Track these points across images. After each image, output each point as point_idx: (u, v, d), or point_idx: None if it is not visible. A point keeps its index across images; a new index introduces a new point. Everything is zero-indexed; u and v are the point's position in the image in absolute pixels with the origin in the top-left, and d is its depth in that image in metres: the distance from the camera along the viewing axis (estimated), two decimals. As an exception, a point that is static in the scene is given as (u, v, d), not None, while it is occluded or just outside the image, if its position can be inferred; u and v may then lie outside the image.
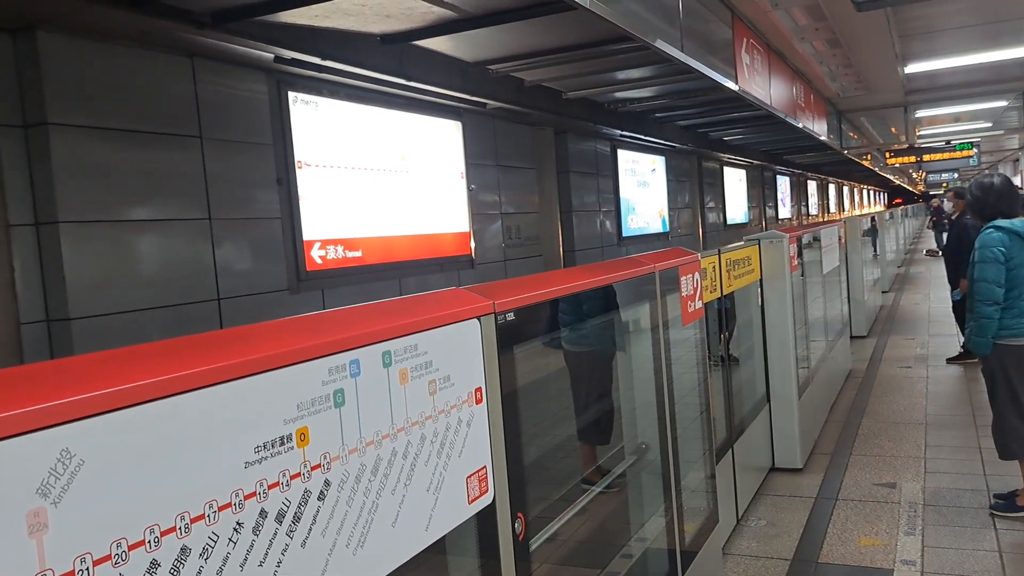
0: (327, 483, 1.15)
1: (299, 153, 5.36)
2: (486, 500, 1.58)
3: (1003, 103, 11.82)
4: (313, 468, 1.12)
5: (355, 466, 1.21)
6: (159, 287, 4.40)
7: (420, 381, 1.39)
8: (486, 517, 1.59)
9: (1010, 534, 3.80)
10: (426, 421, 1.40)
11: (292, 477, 1.08)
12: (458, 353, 1.52)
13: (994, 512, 4.02)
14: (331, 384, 1.17)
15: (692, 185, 13.44)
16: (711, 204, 14.40)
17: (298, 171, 5.35)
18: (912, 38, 7.89)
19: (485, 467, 1.58)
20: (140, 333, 4.27)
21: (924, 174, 31.70)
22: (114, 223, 4.24)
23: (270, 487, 1.04)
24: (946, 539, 3.79)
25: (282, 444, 1.06)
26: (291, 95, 5.33)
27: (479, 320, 1.59)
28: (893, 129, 13.88)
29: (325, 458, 1.15)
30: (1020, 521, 3.92)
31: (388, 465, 1.29)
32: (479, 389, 1.57)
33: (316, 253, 5.51)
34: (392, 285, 6.14)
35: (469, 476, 1.53)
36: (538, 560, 2.09)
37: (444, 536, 1.49)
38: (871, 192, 45.44)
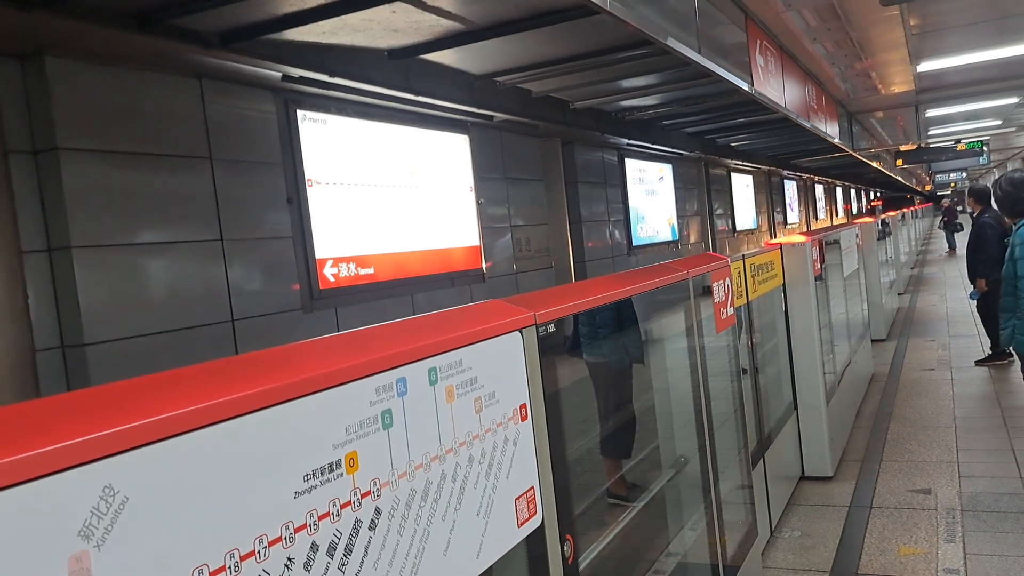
0: (377, 511, 1.07)
1: (309, 171, 5.31)
2: (535, 523, 1.49)
3: (1014, 100, 11.73)
4: (363, 495, 1.04)
5: (405, 491, 1.13)
6: (173, 310, 4.34)
7: (466, 398, 1.31)
8: (535, 541, 1.50)
9: (1055, 538, 3.68)
10: (473, 441, 1.32)
11: (342, 506, 1.00)
12: (501, 368, 1.44)
13: (1036, 516, 3.90)
14: (379, 404, 1.09)
15: (700, 192, 13.36)
16: (719, 211, 14.31)
17: (308, 189, 5.29)
18: (924, 36, 7.83)
19: (533, 488, 1.49)
20: (156, 357, 4.20)
21: (932, 174, 31.56)
22: (127, 247, 4.19)
23: (320, 518, 0.96)
24: (988, 545, 3.67)
25: (331, 471, 0.98)
26: (299, 113, 5.28)
27: (521, 332, 1.52)
28: (903, 130, 13.80)
29: (375, 484, 1.07)
30: (1064, 524, 3.80)
31: (438, 489, 1.21)
32: (524, 405, 1.49)
33: (328, 271, 5.44)
34: (404, 302, 6.07)
35: (517, 498, 1.44)
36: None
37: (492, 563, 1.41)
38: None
